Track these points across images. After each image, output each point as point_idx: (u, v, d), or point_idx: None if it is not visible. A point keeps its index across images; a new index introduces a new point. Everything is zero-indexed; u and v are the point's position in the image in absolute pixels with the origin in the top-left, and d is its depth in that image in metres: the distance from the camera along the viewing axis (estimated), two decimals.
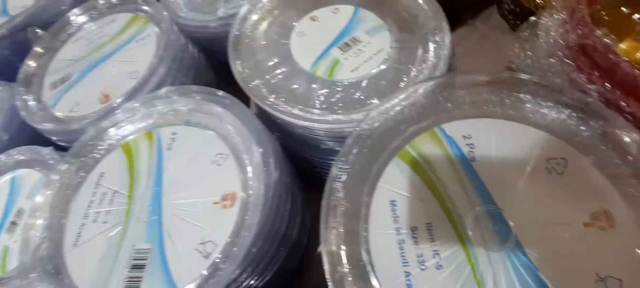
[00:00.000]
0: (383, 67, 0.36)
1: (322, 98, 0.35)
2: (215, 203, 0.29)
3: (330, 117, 0.33)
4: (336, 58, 0.37)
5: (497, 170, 0.26)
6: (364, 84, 0.35)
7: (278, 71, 0.37)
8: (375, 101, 0.33)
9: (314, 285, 0.39)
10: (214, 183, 0.30)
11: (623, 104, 0.29)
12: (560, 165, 0.26)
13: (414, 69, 0.35)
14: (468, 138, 0.27)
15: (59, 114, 0.41)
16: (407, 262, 0.23)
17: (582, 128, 0.27)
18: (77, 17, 0.49)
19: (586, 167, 0.25)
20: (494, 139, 0.27)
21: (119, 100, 0.39)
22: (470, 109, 0.30)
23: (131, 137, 0.35)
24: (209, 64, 0.49)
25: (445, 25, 0.36)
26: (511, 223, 0.23)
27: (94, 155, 0.34)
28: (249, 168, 0.31)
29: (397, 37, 0.38)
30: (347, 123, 0.33)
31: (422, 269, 0.23)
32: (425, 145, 0.28)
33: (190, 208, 0.30)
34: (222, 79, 0.50)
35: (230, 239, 0.28)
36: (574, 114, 0.28)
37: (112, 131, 0.35)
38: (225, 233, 0.28)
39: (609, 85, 0.29)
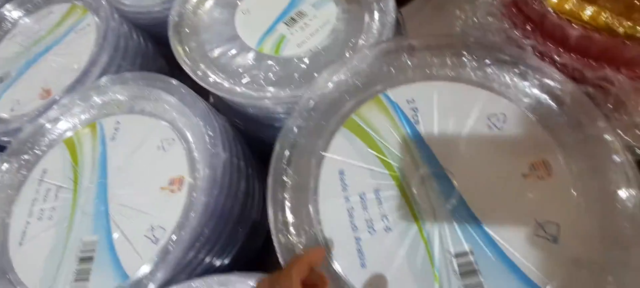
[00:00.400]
0: (330, 39, 0.36)
1: (270, 75, 0.34)
2: (163, 188, 0.29)
3: (280, 94, 0.33)
4: (282, 34, 0.36)
5: (440, 132, 0.26)
6: (309, 58, 0.34)
7: (223, 51, 0.36)
8: (324, 74, 0.33)
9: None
10: (161, 169, 0.30)
11: (555, 56, 0.30)
12: (500, 120, 0.27)
13: (361, 39, 0.35)
14: (412, 102, 0.28)
15: None
16: (356, 228, 0.24)
17: (520, 83, 0.28)
18: (11, 12, 0.46)
19: (524, 120, 0.26)
20: (437, 101, 0.28)
21: (60, 95, 0.37)
22: (413, 73, 0.30)
23: (73, 131, 0.33)
24: (158, 51, 0.47)
25: None
26: (455, 182, 0.24)
27: (35, 152, 0.33)
28: (196, 152, 0.30)
29: (344, 7, 0.37)
30: (297, 98, 0.33)
31: (371, 233, 0.24)
32: (371, 113, 0.28)
33: (137, 196, 0.29)
34: (174, 66, 0.48)
35: (179, 222, 0.28)
36: (512, 70, 0.29)
37: (51, 126, 0.33)
38: (174, 217, 0.28)
39: (541, 39, 0.30)
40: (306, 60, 0.34)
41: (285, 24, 0.37)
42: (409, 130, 0.27)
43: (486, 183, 0.24)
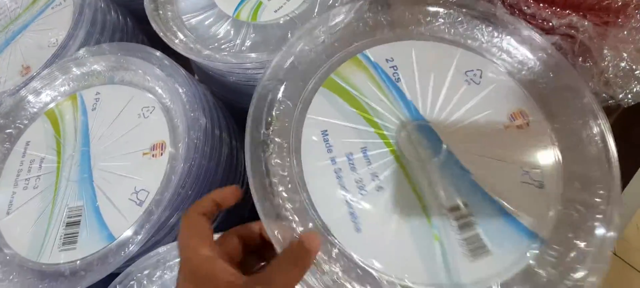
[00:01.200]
0: (307, 3, 0.36)
1: (247, 42, 0.35)
2: (145, 154, 0.30)
3: (259, 59, 0.33)
4: (259, 0, 0.37)
5: (422, 89, 0.26)
6: (287, 23, 0.35)
7: (201, 20, 0.36)
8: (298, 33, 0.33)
9: None
10: (142, 135, 0.30)
11: (524, 6, 0.31)
12: (477, 76, 0.27)
13: (338, 2, 0.35)
14: (391, 61, 0.28)
15: None
16: (347, 190, 0.22)
17: (492, 39, 0.28)
18: None
19: (499, 73, 0.27)
20: (415, 59, 0.28)
21: (37, 71, 0.37)
22: (390, 32, 0.30)
23: (53, 103, 0.34)
24: (138, 27, 0.47)
25: None
26: (441, 137, 0.24)
27: (17, 125, 0.33)
28: (176, 119, 0.31)
29: None
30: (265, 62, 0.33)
31: (363, 194, 0.22)
32: (351, 72, 0.27)
33: (120, 162, 0.30)
34: (156, 41, 0.48)
35: (162, 185, 0.28)
36: (484, 25, 0.29)
37: (32, 99, 0.34)
38: (157, 180, 0.29)
39: None
40: (284, 25, 0.35)
41: None
42: (390, 88, 0.26)
43: (471, 136, 0.24)
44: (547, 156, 0.23)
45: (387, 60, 0.28)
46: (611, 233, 0.21)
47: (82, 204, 0.29)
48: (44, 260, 0.27)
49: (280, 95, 0.27)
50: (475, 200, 0.22)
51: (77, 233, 0.28)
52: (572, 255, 0.21)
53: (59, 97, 0.34)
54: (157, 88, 0.32)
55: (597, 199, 0.22)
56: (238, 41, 0.35)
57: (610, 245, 0.21)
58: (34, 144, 0.32)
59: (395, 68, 0.28)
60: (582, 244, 0.21)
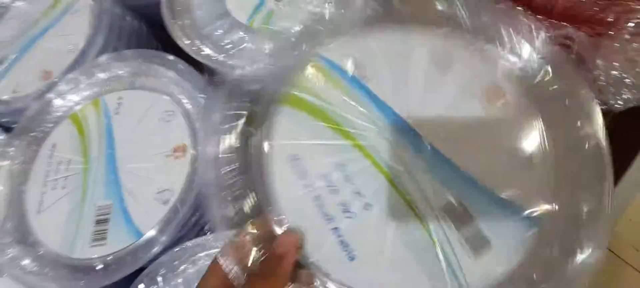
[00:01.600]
0: (317, 10, 0.37)
1: (265, 49, 0.36)
2: (167, 156, 0.32)
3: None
4: (271, 9, 0.38)
5: (392, 85, 0.23)
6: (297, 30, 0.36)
7: (215, 27, 0.38)
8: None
9: None
10: (164, 138, 0.32)
11: (523, 18, 0.33)
12: (446, 60, 0.24)
13: (349, 11, 0.37)
14: (353, 59, 0.24)
15: (1, 96, 0.41)
16: (331, 217, 0.20)
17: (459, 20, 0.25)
18: None
19: (468, 54, 0.24)
20: (378, 51, 0.24)
21: (59, 76, 0.39)
22: (346, 27, 0.26)
23: (77, 107, 0.36)
24: (151, 33, 0.48)
25: None
26: (421, 133, 0.22)
27: (42, 128, 0.35)
28: (196, 122, 0.33)
29: None
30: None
31: (350, 217, 0.20)
32: (311, 81, 0.24)
33: (144, 164, 0.32)
34: (168, 46, 0.50)
35: (184, 185, 0.30)
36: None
37: (56, 103, 0.35)
38: (180, 180, 0.30)
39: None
40: (295, 33, 0.36)
41: None
42: (359, 91, 0.23)
43: (450, 126, 0.22)
44: (534, 133, 0.22)
45: (348, 58, 0.24)
46: (609, 211, 0.20)
47: (110, 203, 0.31)
48: (76, 255, 0.29)
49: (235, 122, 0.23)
50: (468, 193, 0.20)
51: (107, 230, 0.30)
52: (572, 234, 0.20)
53: (82, 102, 0.36)
54: (176, 93, 0.34)
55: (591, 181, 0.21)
56: (251, 49, 0.36)
57: (609, 222, 0.20)
58: (60, 146, 0.34)
59: (359, 66, 0.24)
60: (582, 218, 0.20)
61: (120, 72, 0.35)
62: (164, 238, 0.28)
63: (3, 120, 0.41)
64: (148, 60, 0.35)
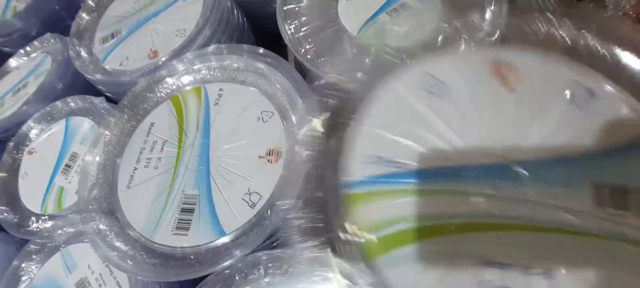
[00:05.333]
0: (432, 35, 0.35)
1: (367, 62, 0.34)
2: (261, 157, 0.30)
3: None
4: (384, 23, 0.36)
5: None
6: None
7: (324, 35, 0.37)
8: None
9: None
10: (259, 138, 0.31)
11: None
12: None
13: (465, 36, 0.34)
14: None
15: (109, 67, 0.43)
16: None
17: None
18: None
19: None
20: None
21: (166, 57, 0.40)
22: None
23: (180, 91, 0.36)
24: (250, 28, 0.49)
25: None
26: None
27: (145, 106, 0.36)
28: (295, 127, 0.31)
29: (449, 4, 0.37)
30: None
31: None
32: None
33: (236, 160, 0.31)
34: (263, 45, 0.50)
35: (275, 192, 0.29)
36: None
37: (164, 83, 0.36)
38: (270, 186, 0.29)
39: None
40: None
41: (388, 14, 0.37)
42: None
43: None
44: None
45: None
46: None
47: (197, 193, 0.30)
48: (157, 240, 0.29)
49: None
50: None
51: (191, 220, 0.29)
52: None
53: (185, 86, 0.36)
54: (278, 96, 0.33)
55: None
56: (358, 63, 0.35)
57: None
58: (158, 126, 0.34)
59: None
60: None
61: (226, 63, 0.35)
62: (247, 246, 0.27)
63: (106, 90, 0.43)
64: (255, 57, 0.35)
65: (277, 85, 0.33)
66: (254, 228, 0.28)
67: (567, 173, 0.20)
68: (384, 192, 0.21)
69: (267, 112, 0.33)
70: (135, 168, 0.32)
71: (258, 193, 0.29)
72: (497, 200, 0.19)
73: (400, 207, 0.20)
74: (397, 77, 0.25)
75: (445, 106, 0.23)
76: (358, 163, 0.22)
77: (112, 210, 0.31)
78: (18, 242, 0.39)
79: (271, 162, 0.30)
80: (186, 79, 0.36)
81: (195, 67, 0.36)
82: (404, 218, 0.20)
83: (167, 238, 0.29)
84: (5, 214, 0.38)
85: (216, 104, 0.34)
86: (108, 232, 0.30)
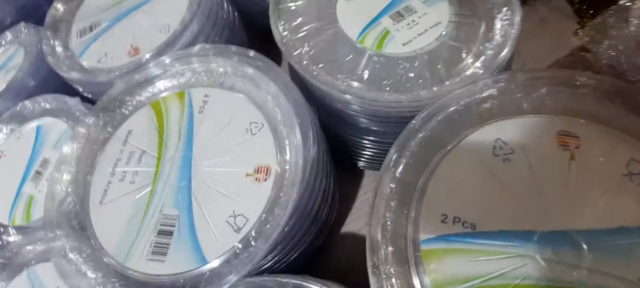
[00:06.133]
0: (439, 43, 0.32)
1: (367, 72, 0.32)
2: (248, 175, 0.27)
3: (376, 94, 0.30)
4: (387, 28, 0.33)
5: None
6: (416, 62, 0.31)
7: (321, 38, 0.34)
8: (427, 81, 0.30)
9: (336, 264, 0.38)
10: (247, 153, 0.28)
11: None
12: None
13: (474, 48, 0.32)
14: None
15: (86, 63, 0.39)
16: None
17: None
18: None
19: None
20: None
21: (148, 55, 0.36)
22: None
23: (162, 95, 0.33)
24: (242, 24, 0.45)
25: (515, 1, 0.32)
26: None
27: (123, 110, 0.32)
28: (286, 142, 0.28)
29: (457, 10, 0.34)
30: (394, 103, 0.30)
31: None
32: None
33: (221, 178, 0.28)
34: (256, 41, 0.47)
35: (263, 216, 0.26)
36: None
37: (142, 87, 0.33)
38: (258, 208, 0.26)
39: None
40: (411, 61, 0.31)
41: (391, 18, 0.34)
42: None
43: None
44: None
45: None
46: None
47: (177, 214, 0.27)
48: (131, 266, 0.26)
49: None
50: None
51: (168, 245, 0.26)
52: None
53: (168, 90, 0.33)
54: (269, 105, 0.30)
55: None
56: (357, 69, 0.32)
57: None
58: (136, 134, 0.31)
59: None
60: None
61: (212, 66, 0.32)
62: (230, 276, 0.24)
63: (82, 89, 0.39)
64: (244, 60, 0.31)
65: (268, 94, 0.30)
66: (239, 256, 0.25)
67: (625, 244, 0.21)
68: (455, 250, 0.22)
69: (257, 123, 0.30)
70: (110, 182, 0.29)
71: (244, 216, 0.26)
72: (556, 265, 0.21)
73: (470, 266, 0.22)
74: (468, 138, 0.26)
75: (513, 171, 0.24)
76: (432, 221, 0.24)
77: (83, 228, 0.28)
78: None
79: (260, 181, 0.27)
80: (169, 83, 0.33)
81: (178, 70, 0.33)
82: (474, 276, 0.22)
83: (142, 264, 0.26)
84: None
85: (201, 111, 0.31)
86: (79, 257, 0.27)
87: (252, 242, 0.25)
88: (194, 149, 0.29)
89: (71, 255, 0.26)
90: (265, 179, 0.27)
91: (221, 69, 0.32)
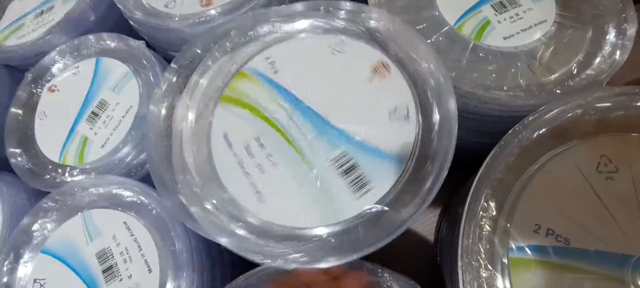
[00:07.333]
0: (542, 42, 0.30)
1: (463, 61, 0.29)
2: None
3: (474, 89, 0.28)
4: (487, 17, 0.31)
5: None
6: (519, 62, 0.29)
7: (415, 20, 0.31)
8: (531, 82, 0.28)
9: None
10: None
11: None
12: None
13: (581, 54, 0.29)
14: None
15: (153, 5, 0.36)
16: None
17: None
18: None
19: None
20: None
21: (218, 10, 0.34)
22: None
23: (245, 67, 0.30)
24: None
25: (631, 10, 0.30)
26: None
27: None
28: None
29: (562, 10, 0.31)
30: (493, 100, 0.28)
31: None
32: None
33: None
34: None
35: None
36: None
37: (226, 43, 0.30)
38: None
39: None
40: (513, 58, 0.29)
41: (493, 7, 0.31)
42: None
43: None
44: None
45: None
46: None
47: (343, 149, 0.25)
48: (342, 218, 0.24)
49: None
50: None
51: (362, 175, 0.24)
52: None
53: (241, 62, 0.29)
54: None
55: None
56: (452, 57, 0.30)
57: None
58: (233, 132, 0.27)
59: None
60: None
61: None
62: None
63: (145, 32, 0.37)
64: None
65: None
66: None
67: None
68: (545, 262, 0.22)
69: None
70: (252, 183, 0.26)
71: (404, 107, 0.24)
72: None
73: (558, 280, 0.22)
74: (572, 150, 0.25)
75: (615, 191, 0.23)
76: (525, 229, 0.23)
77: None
78: (29, 190, 0.35)
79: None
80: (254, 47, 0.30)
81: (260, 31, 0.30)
82: None
83: (352, 208, 0.24)
84: (18, 158, 0.33)
85: (276, 72, 0.28)
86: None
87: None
88: (304, 100, 0.27)
89: None
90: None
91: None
